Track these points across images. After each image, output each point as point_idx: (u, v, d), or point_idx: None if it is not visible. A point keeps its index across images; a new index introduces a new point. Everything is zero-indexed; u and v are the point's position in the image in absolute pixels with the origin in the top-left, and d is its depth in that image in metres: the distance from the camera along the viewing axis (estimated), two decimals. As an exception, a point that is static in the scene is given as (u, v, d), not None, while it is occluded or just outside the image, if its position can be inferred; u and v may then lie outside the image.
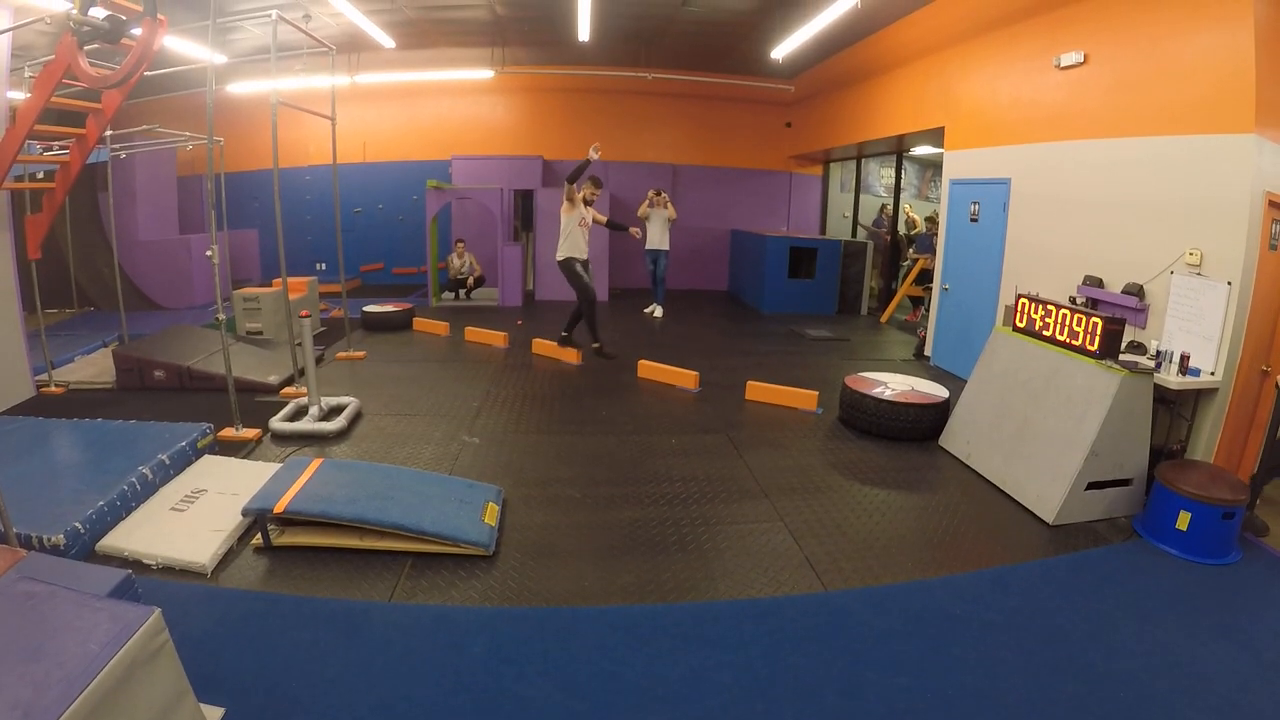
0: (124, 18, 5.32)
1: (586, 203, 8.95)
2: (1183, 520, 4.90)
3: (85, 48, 5.46)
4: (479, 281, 13.87)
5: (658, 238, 12.64)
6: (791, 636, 3.79)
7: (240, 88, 13.28)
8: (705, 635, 3.77)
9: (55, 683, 2.12)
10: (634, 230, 9.54)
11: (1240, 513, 4.94)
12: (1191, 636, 3.99)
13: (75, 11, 5.10)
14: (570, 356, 9.35)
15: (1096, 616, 4.16)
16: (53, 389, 7.39)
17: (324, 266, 14.75)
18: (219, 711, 2.88)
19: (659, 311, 12.89)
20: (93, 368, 8.20)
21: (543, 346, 9.77)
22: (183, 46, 9.95)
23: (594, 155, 8.34)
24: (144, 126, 9.16)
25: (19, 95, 7.36)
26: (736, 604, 4.10)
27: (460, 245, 13.75)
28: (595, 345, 9.04)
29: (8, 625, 2.38)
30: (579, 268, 8.85)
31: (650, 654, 3.58)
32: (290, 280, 7.75)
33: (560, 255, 8.90)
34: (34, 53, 8.92)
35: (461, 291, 13.69)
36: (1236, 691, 3.50)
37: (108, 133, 7.97)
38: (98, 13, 5.22)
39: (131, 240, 12.28)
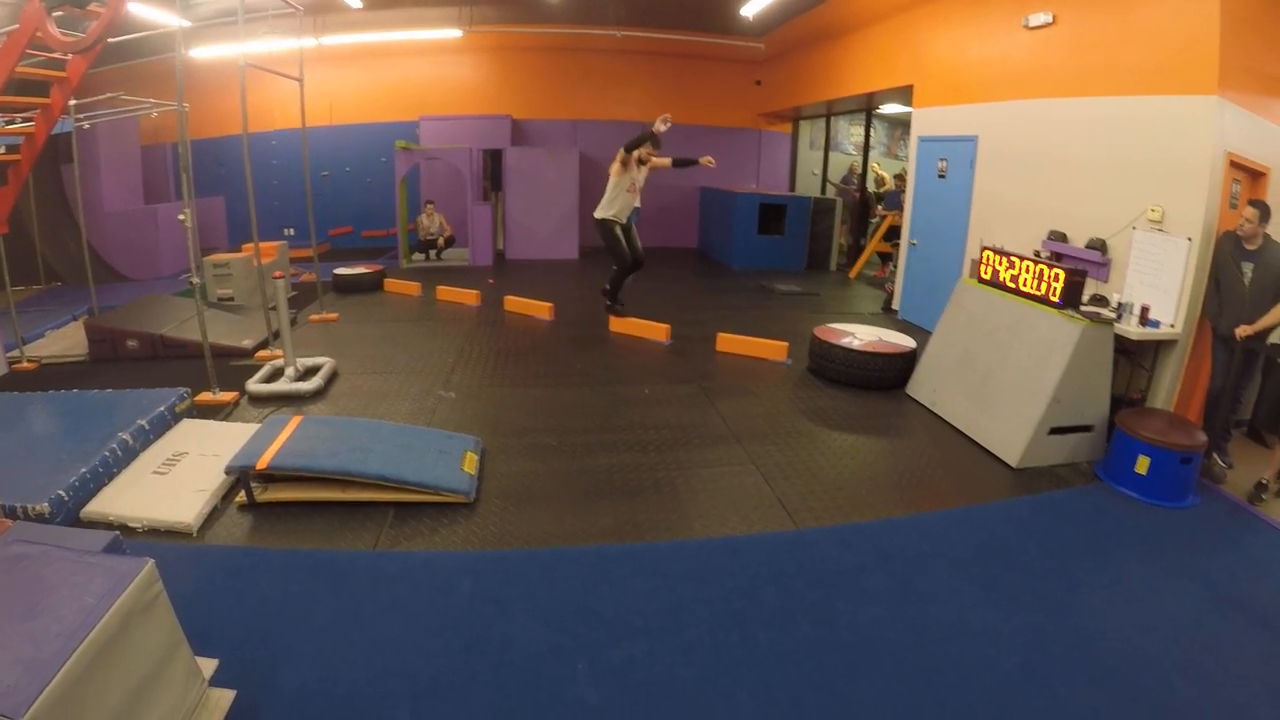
0: None
1: (641, 162, 8.69)
2: (1142, 465, 5.10)
3: (54, 14, 5.41)
4: (449, 242, 13.84)
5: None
6: (765, 572, 3.94)
7: (204, 52, 13.02)
8: (681, 571, 3.92)
9: (54, 636, 2.16)
10: (706, 159, 8.84)
11: (1198, 458, 5.13)
12: (1148, 572, 4.19)
13: None
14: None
15: (1058, 553, 4.36)
16: (25, 365, 7.31)
17: (292, 231, 14.63)
18: (213, 663, 2.92)
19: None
20: (64, 341, 8.11)
21: (515, 304, 9.84)
22: (145, 11, 9.77)
23: (662, 127, 8.07)
24: (107, 95, 9.02)
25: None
26: (711, 542, 4.25)
27: (430, 206, 13.70)
28: (608, 301, 9.04)
29: (3, 585, 2.41)
30: (619, 230, 8.65)
31: (629, 590, 3.72)
32: (260, 245, 7.73)
33: (600, 214, 8.68)
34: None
35: (432, 252, 13.65)
36: (1190, 623, 3.70)
37: (71, 102, 7.84)
38: None
39: (97, 212, 12.01)
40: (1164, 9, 6.12)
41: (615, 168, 8.50)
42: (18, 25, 5.71)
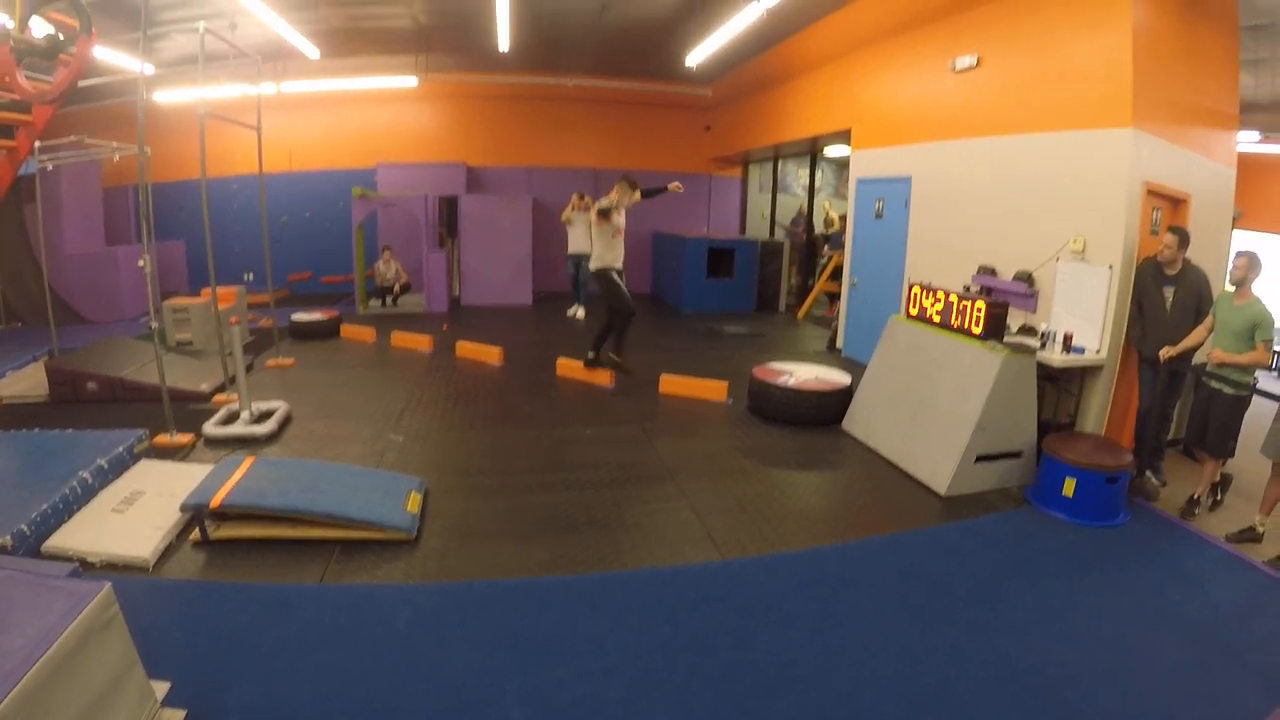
0: (61, 36, 5.51)
1: (609, 209, 8.41)
2: (1068, 487, 5.42)
3: (22, 63, 5.62)
4: (405, 288, 14.04)
5: (581, 242, 11.95)
6: (688, 600, 4.19)
7: (165, 96, 13.16)
8: (610, 601, 4.15)
9: (17, 649, 2.30)
10: (674, 185, 8.81)
11: (1124, 477, 5.47)
12: (1073, 589, 4.49)
13: (15, 31, 5.28)
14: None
15: (982, 574, 4.64)
16: None
17: (251, 277, 14.76)
18: (165, 685, 3.08)
19: (581, 313, 12.64)
20: (25, 382, 8.18)
21: (466, 349, 10.04)
22: (109, 56, 9.94)
23: (678, 188, 8.73)
24: (71, 137, 9.18)
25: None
26: (639, 573, 4.49)
27: (387, 252, 13.89)
28: (616, 359, 8.46)
29: None
30: (615, 276, 8.41)
31: (559, 618, 3.95)
32: (219, 290, 7.90)
33: (597, 265, 8.43)
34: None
35: (388, 298, 13.81)
36: (1117, 636, 3.99)
37: (35, 144, 8.01)
38: (37, 32, 5.40)
39: (59, 254, 12.06)
40: (1080, 47, 6.58)
41: (596, 219, 8.36)
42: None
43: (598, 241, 8.42)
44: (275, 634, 3.72)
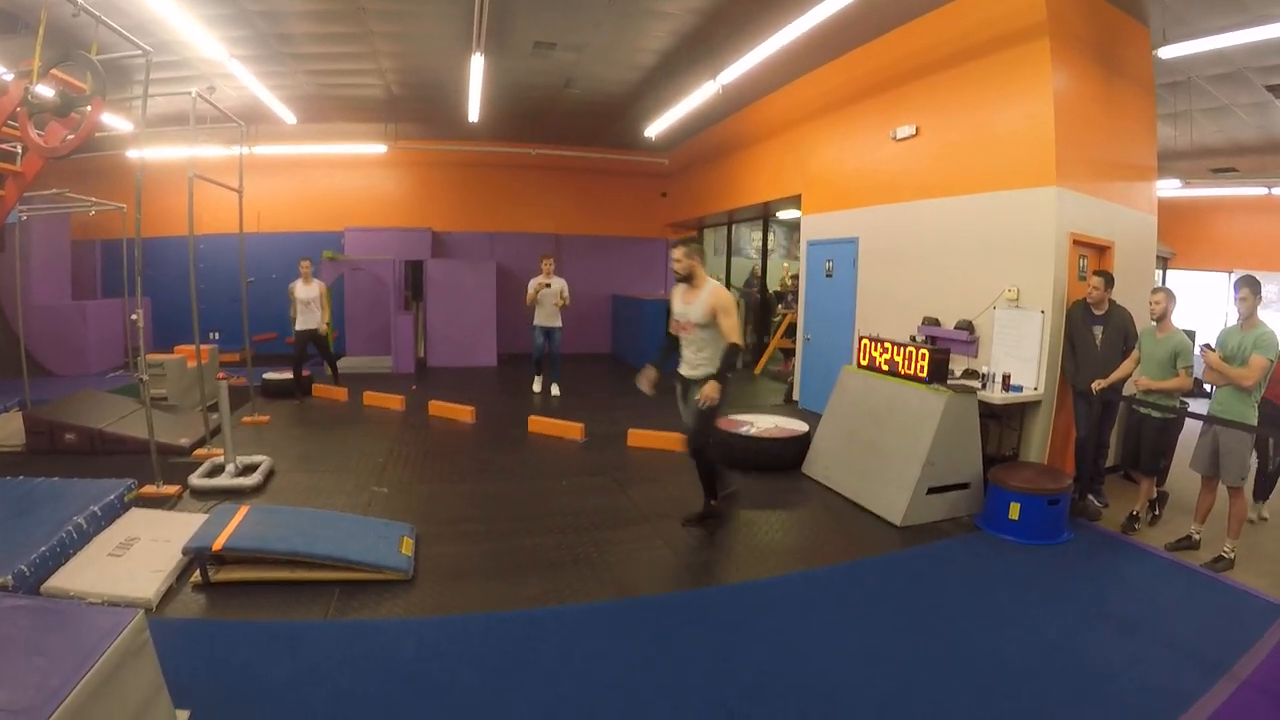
0: (74, 95, 5.81)
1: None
2: (1014, 510, 5.91)
3: (34, 117, 5.88)
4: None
5: (549, 313, 11.37)
6: (671, 623, 4.54)
7: (139, 153, 13.23)
8: (601, 627, 4.47)
9: (62, 668, 2.42)
10: None
11: (1065, 499, 5.99)
12: (1022, 600, 4.95)
13: (32, 87, 5.57)
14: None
15: (937, 591, 5.09)
16: None
17: (217, 335, 14.83)
18: (185, 713, 3.25)
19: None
20: (-1, 431, 8.24)
21: (439, 408, 10.24)
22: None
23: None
24: (53, 190, 9.25)
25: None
26: (624, 602, 4.83)
27: (306, 265, 11.64)
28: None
29: (7, 628, 2.69)
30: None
31: (556, 643, 4.24)
32: (190, 348, 8.03)
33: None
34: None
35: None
36: (1062, 638, 4.42)
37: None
38: (47, 91, 5.68)
39: (26, 305, 12.03)
40: (1008, 115, 7.23)
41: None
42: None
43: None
44: (286, 666, 3.92)
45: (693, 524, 6.07)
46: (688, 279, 5.88)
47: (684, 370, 6.06)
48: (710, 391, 5.51)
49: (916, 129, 8.43)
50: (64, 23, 6.03)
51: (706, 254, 17.40)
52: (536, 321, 11.47)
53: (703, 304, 5.71)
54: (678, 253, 5.88)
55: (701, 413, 5.71)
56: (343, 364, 13.44)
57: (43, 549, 4.68)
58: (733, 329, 5.68)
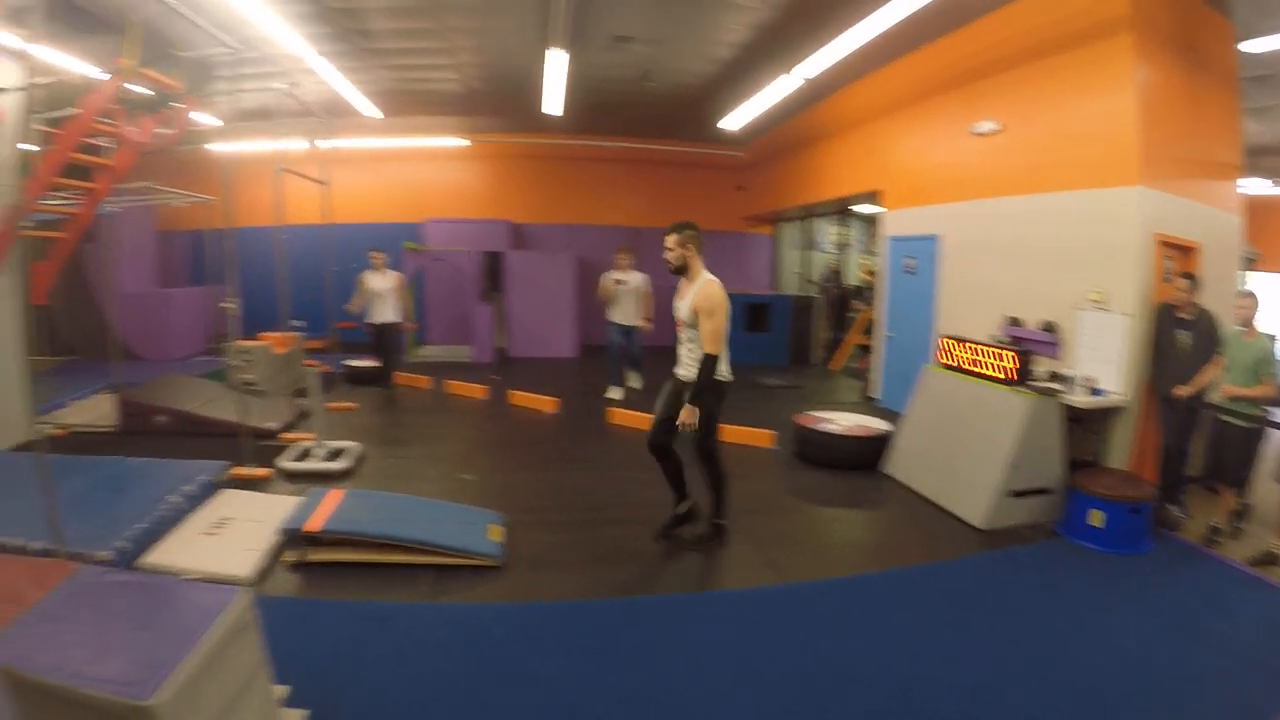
0: (167, 92, 6.02)
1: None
2: (1096, 518, 5.76)
3: (133, 113, 6.11)
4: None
5: (628, 311, 10.46)
6: (756, 615, 4.56)
7: (221, 147, 13.55)
8: (685, 616, 4.53)
9: (171, 641, 2.49)
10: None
11: (1147, 507, 5.80)
12: (1100, 606, 4.84)
13: (128, 88, 5.80)
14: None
15: (1016, 594, 5.02)
16: (56, 431, 7.70)
17: (303, 323, 15.11)
18: (285, 689, 3.35)
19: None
20: (91, 411, 8.57)
21: (521, 398, 10.39)
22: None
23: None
24: (142, 183, 9.55)
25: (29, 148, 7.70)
26: (712, 594, 4.89)
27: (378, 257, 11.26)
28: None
29: (116, 603, 2.79)
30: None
31: (640, 631, 4.30)
32: (276, 335, 8.18)
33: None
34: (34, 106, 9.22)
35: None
36: (1139, 645, 4.34)
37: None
38: (141, 89, 5.90)
39: (114, 292, 12.46)
40: (1090, 112, 7.02)
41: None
42: (79, 112, 6.26)
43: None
44: (380, 645, 4.04)
45: (670, 531, 5.74)
46: (682, 270, 5.43)
47: (678, 371, 5.68)
48: (686, 418, 5.14)
49: (997, 124, 8.26)
50: (152, 21, 6.19)
51: (784, 247, 17.63)
52: (613, 319, 10.52)
53: (689, 301, 5.28)
54: (669, 240, 5.34)
55: (694, 435, 5.36)
56: (423, 352, 13.69)
57: (141, 525, 4.91)
58: (713, 335, 5.07)
